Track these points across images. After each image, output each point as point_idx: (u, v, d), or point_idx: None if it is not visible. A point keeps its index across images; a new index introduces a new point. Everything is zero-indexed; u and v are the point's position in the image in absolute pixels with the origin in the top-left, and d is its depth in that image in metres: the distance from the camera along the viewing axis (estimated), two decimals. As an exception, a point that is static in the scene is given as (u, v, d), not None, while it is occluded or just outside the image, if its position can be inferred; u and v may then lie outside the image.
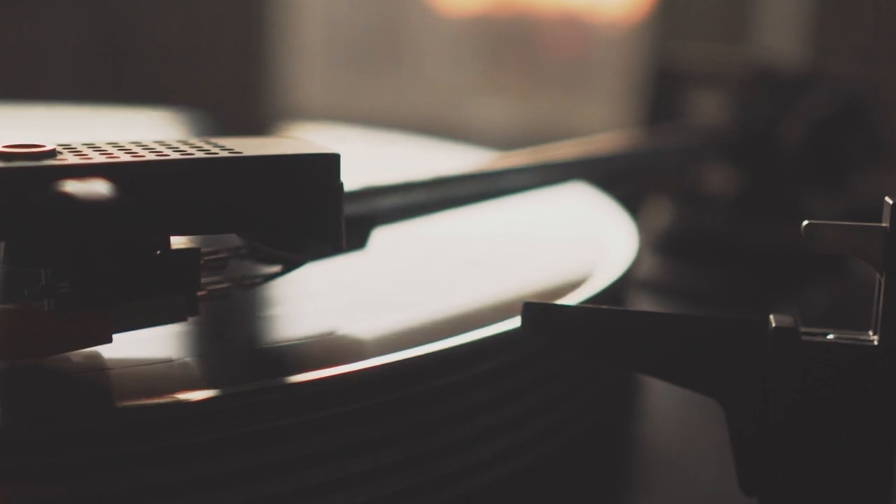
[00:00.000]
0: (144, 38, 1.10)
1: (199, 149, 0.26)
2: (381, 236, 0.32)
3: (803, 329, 0.25)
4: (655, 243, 0.53)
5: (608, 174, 0.45)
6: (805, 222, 0.25)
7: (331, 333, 0.28)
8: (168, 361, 0.25)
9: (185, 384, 0.24)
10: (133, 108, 0.64)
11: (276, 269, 0.29)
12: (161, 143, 0.26)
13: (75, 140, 0.26)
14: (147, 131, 0.57)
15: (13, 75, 1.05)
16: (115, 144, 0.26)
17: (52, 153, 0.24)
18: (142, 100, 0.72)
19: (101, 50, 1.09)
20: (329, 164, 0.26)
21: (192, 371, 0.26)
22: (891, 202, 0.24)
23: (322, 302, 0.31)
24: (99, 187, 0.22)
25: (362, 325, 0.29)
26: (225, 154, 0.25)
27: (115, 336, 0.25)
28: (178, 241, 0.25)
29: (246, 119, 1.02)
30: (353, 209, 0.29)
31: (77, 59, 1.08)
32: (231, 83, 1.11)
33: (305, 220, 0.26)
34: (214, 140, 0.27)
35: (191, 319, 0.26)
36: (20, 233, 0.23)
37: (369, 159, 0.49)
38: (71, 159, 0.24)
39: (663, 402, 0.36)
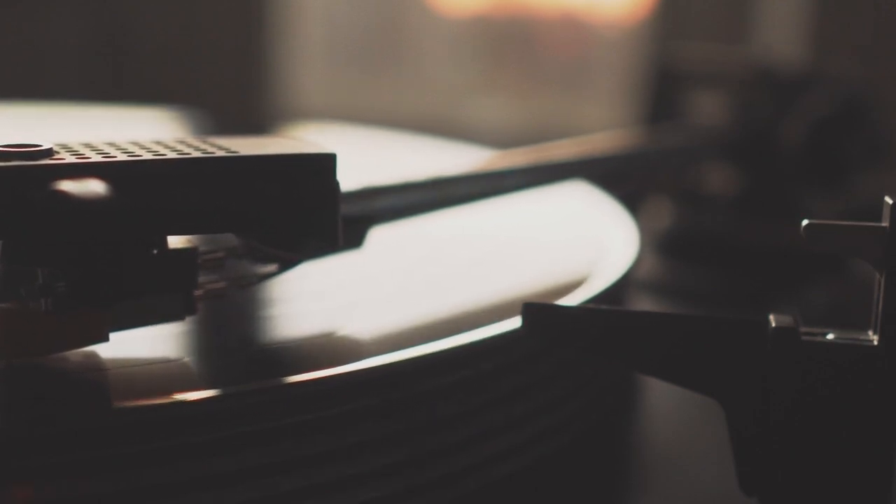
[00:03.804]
0: (144, 38, 1.10)
1: (197, 148, 0.26)
2: (379, 236, 0.32)
3: (803, 329, 0.25)
4: (655, 243, 0.53)
5: (608, 174, 0.45)
6: (805, 222, 0.24)
7: (329, 333, 0.28)
8: (166, 361, 0.25)
9: (184, 384, 0.24)
10: (133, 107, 0.64)
11: (272, 268, 0.29)
12: (158, 142, 0.26)
13: (73, 139, 0.26)
14: (146, 131, 0.57)
15: (13, 75, 1.05)
16: (112, 144, 0.26)
17: (49, 152, 0.24)
18: (142, 100, 0.72)
19: (101, 50, 1.09)
20: (326, 163, 0.26)
21: (191, 371, 0.25)
22: (891, 202, 0.24)
23: (320, 302, 0.31)
24: (95, 187, 0.22)
25: (360, 324, 0.29)
26: (222, 154, 0.25)
27: (113, 336, 0.25)
28: (175, 241, 0.25)
29: (246, 119, 1.02)
30: (350, 208, 0.29)
31: (77, 59, 1.08)
32: (231, 83, 1.11)
33: (302, 219, 0.26)
34: (212, 139, 0.27)
35: (189, 319, 0.26)
36: (17, 232, 0.23)
37: (368, 159, 0.49)
38: (68, 158, 0.24)
39: (663, 402, 0.36)
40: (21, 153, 0.24)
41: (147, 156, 0.25)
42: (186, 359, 0.26)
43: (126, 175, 0.24)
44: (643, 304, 0.44)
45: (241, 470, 0.24)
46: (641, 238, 0.39)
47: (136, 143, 0.26)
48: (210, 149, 0.26)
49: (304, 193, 0.26)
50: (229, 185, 0.25)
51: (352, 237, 0.30)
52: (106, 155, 0.24)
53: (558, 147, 0.43)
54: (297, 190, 0.26)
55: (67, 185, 0.22)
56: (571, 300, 0.31)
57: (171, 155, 0.25)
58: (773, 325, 0.25)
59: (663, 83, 0.56)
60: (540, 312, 0.26)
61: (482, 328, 0.28)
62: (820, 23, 0.89)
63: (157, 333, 0.26)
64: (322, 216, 0.26)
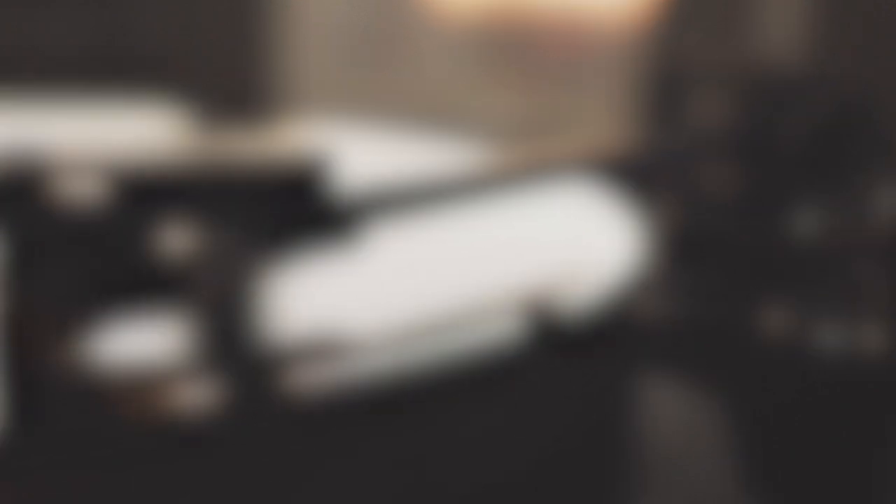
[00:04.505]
0: (145, 37, 1.10)
1: (195, 149, 0.26)
2: (378, 236, 0.32)
3: (802, 328, 0.25)
4: (656, 243, 0.53)
5: (608, 174, 0.45)
6: (803, 220, 0.24)
7: (328, 333, 0.28)
8: (167, 362, 0.25)
9: (185, 385, 0.24)
10: (133, 106, 0.64)
11: (270, 266, 0.29)
12: (156, 142, 0.26)
13: (73, 139, 0.26)
14: (146, 130, 0.57)
15: (13, 75, 1.05)
16: (110, 143, 0.26)
17: (47, 152, 0.24)
18: (141, 99, 0.72)
19: (101, 50, 1.09)
20: (322, 164, 0.26)
21: (192, 372, 0.25)
22: (891, 201, 0.24)
23: (319, 301, 0.31)
24: (93, 186, 0.22)
25: (360, 325, 0.29)
26: (219, 155, 0.25)
27: (111, 336, 0.25)
28: (173, 240, 0.25)
29: (245, 118, 1.02)
30: (348, 208, 0.29)
31: (77, 58, 1.08)
32: (231, 82, 1.11)
33: (298, 219, 0.26)
34: (210, 139, 0.27)
35: (188, 319, 0.26)
36: (17, 231, 0.23)
37: (368, 158, 0.49)
38: (67, 158, 0.24)
39: (663, 402, 0.36)
40: (19, 152, 0.24)
41: (145, 155, 0.25)
42: (187, 359, 0.26)
43: (124, 174, 0.24)
44: (643, 304, 0.44)
45: (240, 470, 0.24)
46: (642, 238, 0.39)
47: (134, 143, 0.26)
48: (209, 149, 0.26)
49: (301, 194, 0.26)
50: (227, 186, 0.25)
51: (349, 236, 0.30)
52: (104, 154, 0.24)
53: (558, 147, 0.43)
54: (291, 191, 0.26)
55: (66, 185, 0.22)
56: (572, 300, 0.31)
57: (170, 155, 0.25)
58: (771, 324, 0.25)
59: (663, 83, 0.56)
60: (540, 314, 0.26)
61: (482, 329, 0.28)
62: (820, 23, 0.89)
63: (156, 333, 0.26)
64: (318, 216, 0.26)
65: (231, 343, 0.28)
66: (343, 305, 0.31)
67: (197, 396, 0.23)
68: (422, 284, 0.33)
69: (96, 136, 0.27)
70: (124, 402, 0.23)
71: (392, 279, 0.34)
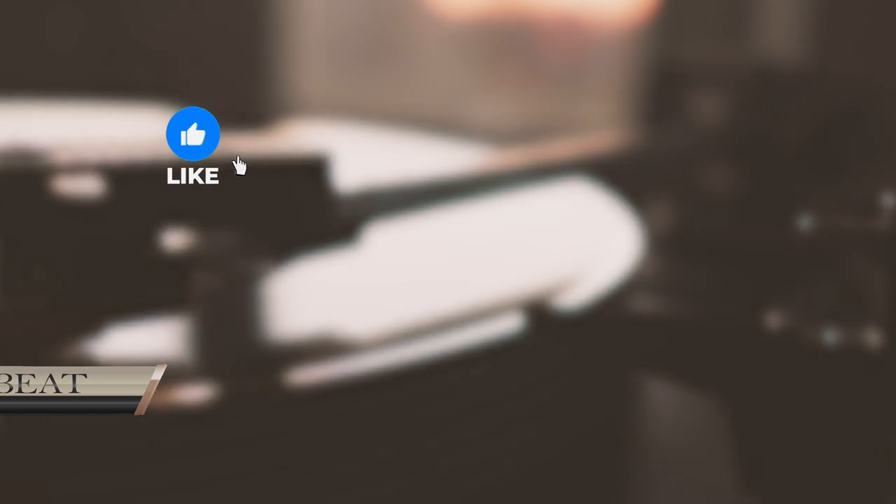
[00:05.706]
0: (145, 37, 1.10)
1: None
2: (378, 235, 0.32)
3: (802, 328, 0.25)
4: (656, 243, 0.53)
5: (608, 174, 0.45)
6: (803, 220, 0.24)
7: (328, 333, 0.28)
8: (166, 360, 0.25)
9: (185, 385, 0.24)
10: (132, 106, 0.64)
11: (269, 265, 0.29)
12: (156, 142, 0.26)
13: (72, 139, 0.26)
14: (145, 130, 0.57)
15: (13, 75, 1.05)
16: (109, 143, 0.26)
17: (46, 151, 0.24)
18: (142, 99, 0.72)
19: (101, 50, 1.09)
20: (321, 163, 0.26)
21: (192, 371, 0.25)
22: (891, 201, 0.24)
23: (318, 301, 0.31)
24: (91, 185, 0.22)
25: (359, 324, 0.29)
26: (219, 155, 0.25)
27: (111, 334, 0.25)
28: (172, 238, 0.25)
29: (245, 118, 1.02)
30: (348, 208, 0.29)
31: (77, 58, 1.08)
32: (231, 82, 1.11)
33: (298, 218, 0.26)
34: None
35: (187, 317, 0.26)
36: (15, 230, 0.23)
37: (368, 158, 0.49)
38: (66, 157, 0.24)
39: (663, 402, 0.36)
40: (18, 152, 0.24)
41: (144, 155, 0.25)
42: (185, 358, 0.26)
43: (122, 174, 0.24)
44: (643, 304, 0.44)
45: (239, 470, 0.24)
46: (641, 238, 0.39)
47: (133, 142, 0.26)
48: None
49: (299, 193, 0.26)
50: (226, 184, 0.25)
51: (348, 236, 0.30)
52: (103, 153, 0.24)
53: (558, 147, 0.43)
54: (291, 190, 0.26)
55: (64, 184, 0.22)
56: (572, 301, 0.31)
57: (168, 154, 0.25)
58: (771, 324, 0.25)
59: (663, 83, 0.56)
60: (540, 313, 0.26)
61: (482, 329, 0.27)
62: (820, 21, 0.89)
63: (155, 332, 0.26)
64: (317, 215, 0.26)
65: (231, 344, 0.28)
66: (343, 305, 0.31)
67: (196, 397, 0.23)
68: (421, 285, 0.33)
69: (96, 135, 0.27)
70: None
71: (392, 279, 0.34)
